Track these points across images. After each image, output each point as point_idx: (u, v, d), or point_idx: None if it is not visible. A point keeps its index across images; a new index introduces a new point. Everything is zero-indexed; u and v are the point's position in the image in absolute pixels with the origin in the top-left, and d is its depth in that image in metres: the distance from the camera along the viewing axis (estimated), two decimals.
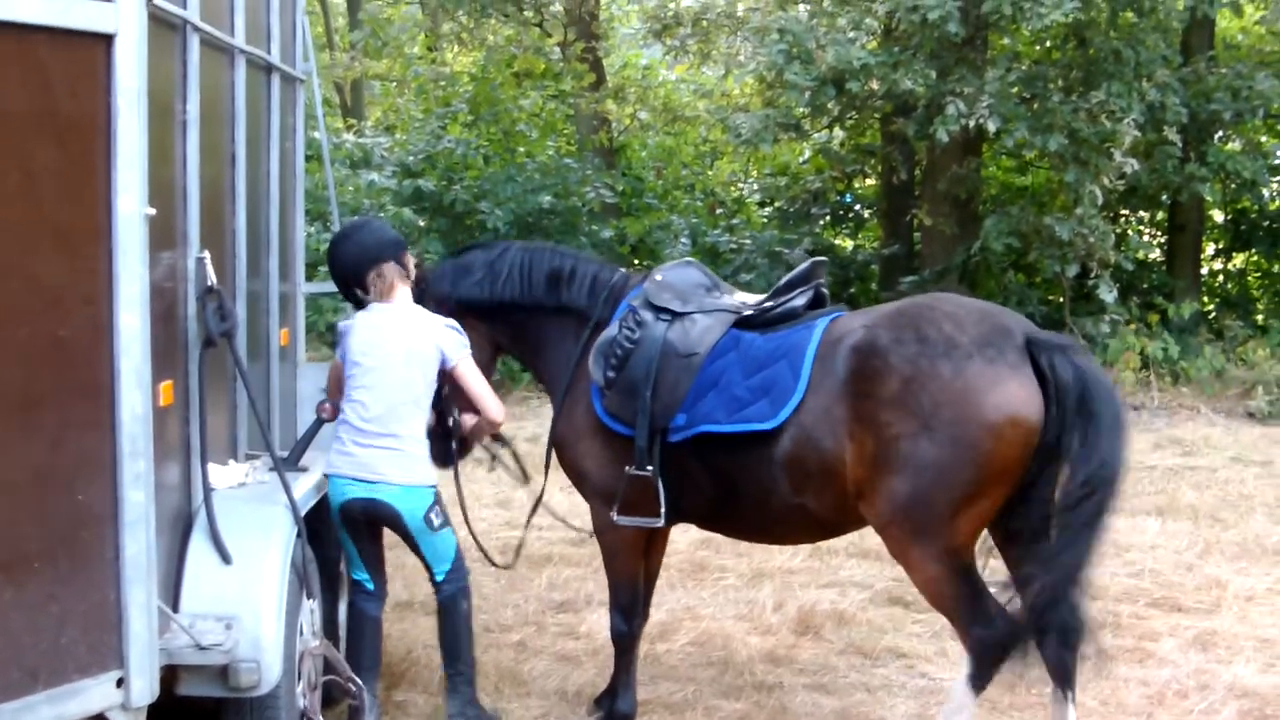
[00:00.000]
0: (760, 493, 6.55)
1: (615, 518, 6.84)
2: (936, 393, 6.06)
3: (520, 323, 7.27)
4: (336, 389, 6.79)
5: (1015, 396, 6.03)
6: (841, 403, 6.29)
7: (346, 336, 6.67)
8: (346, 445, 6.56)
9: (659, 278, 7.01)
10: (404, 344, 6.59)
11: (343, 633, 7.21)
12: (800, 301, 6.85)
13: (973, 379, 6.05)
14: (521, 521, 11.14)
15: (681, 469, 6.72)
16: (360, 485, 6.55)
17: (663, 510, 6.74)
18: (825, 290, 6.99)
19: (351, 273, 6.73)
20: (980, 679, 6.25)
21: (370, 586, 6.85)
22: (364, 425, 6.53)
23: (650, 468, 6.69)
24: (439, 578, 6.83)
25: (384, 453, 6.55)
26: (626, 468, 6.75)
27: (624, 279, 7.23)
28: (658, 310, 6.86)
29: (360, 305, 6.78)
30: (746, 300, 7.02)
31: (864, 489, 6.23)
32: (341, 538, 6.81)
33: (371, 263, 6.67)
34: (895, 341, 6.25)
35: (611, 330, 6.88)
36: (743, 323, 6.80)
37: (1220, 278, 22.14)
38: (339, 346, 6.74)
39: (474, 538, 7.35)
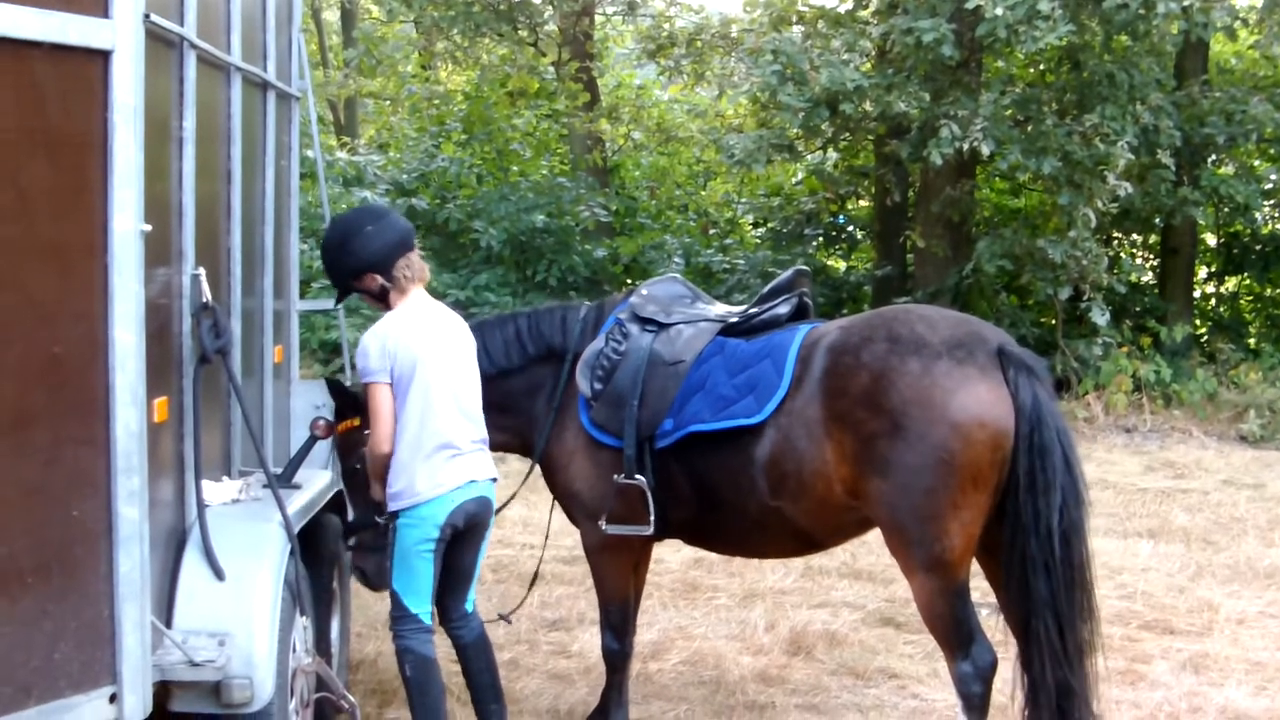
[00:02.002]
0: (740, 497, 6.60)
1: (604, 527, 6.85)
2: (904, 389, 6.12)
3: (503, 391, 7.19)
4: (389, 418, 6.32)
5: (983, 399, 6.07)
6: (815, 401, 6.36)
7: (384, 352, 6.25)
8: (438, 460, 6.31)
9: (644, 292, 7.13)
10: (455, 335, 6.52)
11: (335, 649, 7.20)
12: (784, 310, 6.91)
13: (940, 378, 6.10)
14: (512, 538, 11.20)
15: (667, 477, 6.77)
16: (473, 486, 6.43)
17: (651, 518, 6.76)
18: (809, 300, 7.03)
19: (380, 261, 6.37)
20: (973, 711, 6.27)
21: (427, 621, 6.42)
22: (450, 437, 6.36)
23: (639, 477, 6.73)
24: (469, 605, 6.69)
25: (479, 454, 6.51)
26: (615, 476, 6.78)
27: (595, 309, 7.27)
28: (644, 322, 6.92)
29: (382, 302, 6.50)
30: (731, 311, 7.07)
31: (854, 490, 6.28)
32: (420, 567, 6.36)
33: (404, 250, 6.43)
34: (867, 340, 6.34)
35: (598, 344, 6.93)
36: (728, 330, 6.86)
37: (1213, 301, 22.14)
38: (374, 365, 6.26)
39: None
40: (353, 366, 7.07)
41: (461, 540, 6.48)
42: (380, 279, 6.41)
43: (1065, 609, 6.16)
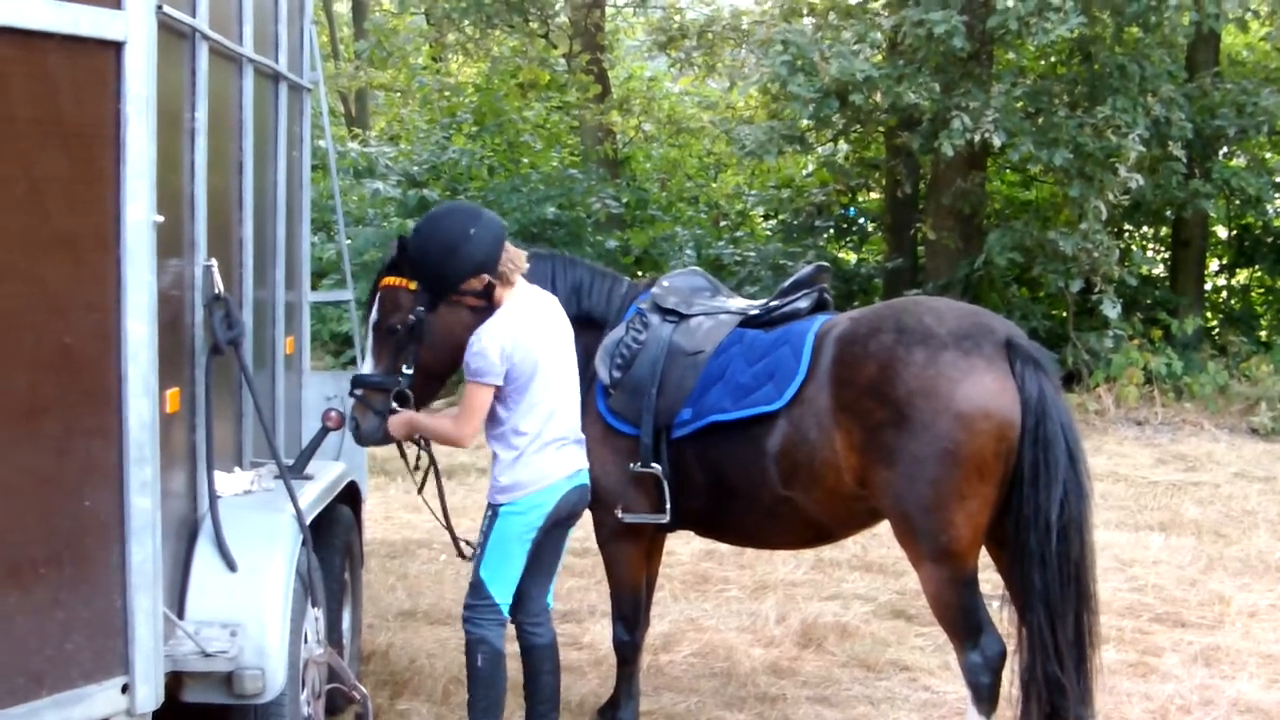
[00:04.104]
0: (752, 487, 6.61)
1: (620, 515, 6.86)
2: (910, 380, 6.12)
3: None
4: (481, 418, 6.26)
5: (988, 389, 6.07)
6: (825, 391, 6.37)
7: (503, 356, 6.12)
8: (550, 451, 6.32)
9: (665, 284, 7.13)
10: (562, 328, 6.50)
11: (346, 640, 7.21)
12: (804, 304, 6.91)
13: (945, 368, 6.10)
14: None
15: (681, 466, 6.78)
16: (579, 474, 6.46)
17: (668, 507, 6.77)
18: (829, 296, 7.04)
19: (489, 260, 6.24)
20: (982, 703, 6.28)
21: (506, 613, 6.38)
22: (564, 431, 6.38)
23: (656, 465, 6.74)
24: (550, 600, 6.64)
25: (581, 444, 6.53)
26: (630, 465, 6.79)
27: (632, 289, 7.25)
28: (664, 313, 6.93)
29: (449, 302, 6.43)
30: (752, 304, 7.07)
31: (863, 479, 6.28)
32: (516, 554, 6.30)
33: (500, 246, 6.30)
34: (874, 330, 6.36)
35: (618, 332, 6.94)
36: (748, 323, 6.87)
37: (1224, 293, 22.13)
38: (490, 368, 6.12)
39: (448, 526, 7.03)
40: (363, 357, 7.01)
41: (554, 531, 6.45)
42: (488, 277, 6.30)
43: (1057, 603, 6.15)
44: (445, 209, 6.62)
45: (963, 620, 6.27)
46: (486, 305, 6.35)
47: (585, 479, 6.52)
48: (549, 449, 6.31)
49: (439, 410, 6.49)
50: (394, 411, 6.61)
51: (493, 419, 6.29)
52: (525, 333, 6.22)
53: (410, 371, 6.61)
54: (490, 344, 6.14)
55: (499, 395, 6.22)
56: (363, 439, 6.78)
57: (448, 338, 6.59)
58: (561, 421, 6.37)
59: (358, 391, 6.76)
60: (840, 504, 6.48)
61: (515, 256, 6.38)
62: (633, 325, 6.92)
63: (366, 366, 6.79)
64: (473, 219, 6.31)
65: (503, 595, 6.33)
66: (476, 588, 6.34)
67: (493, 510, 6.32)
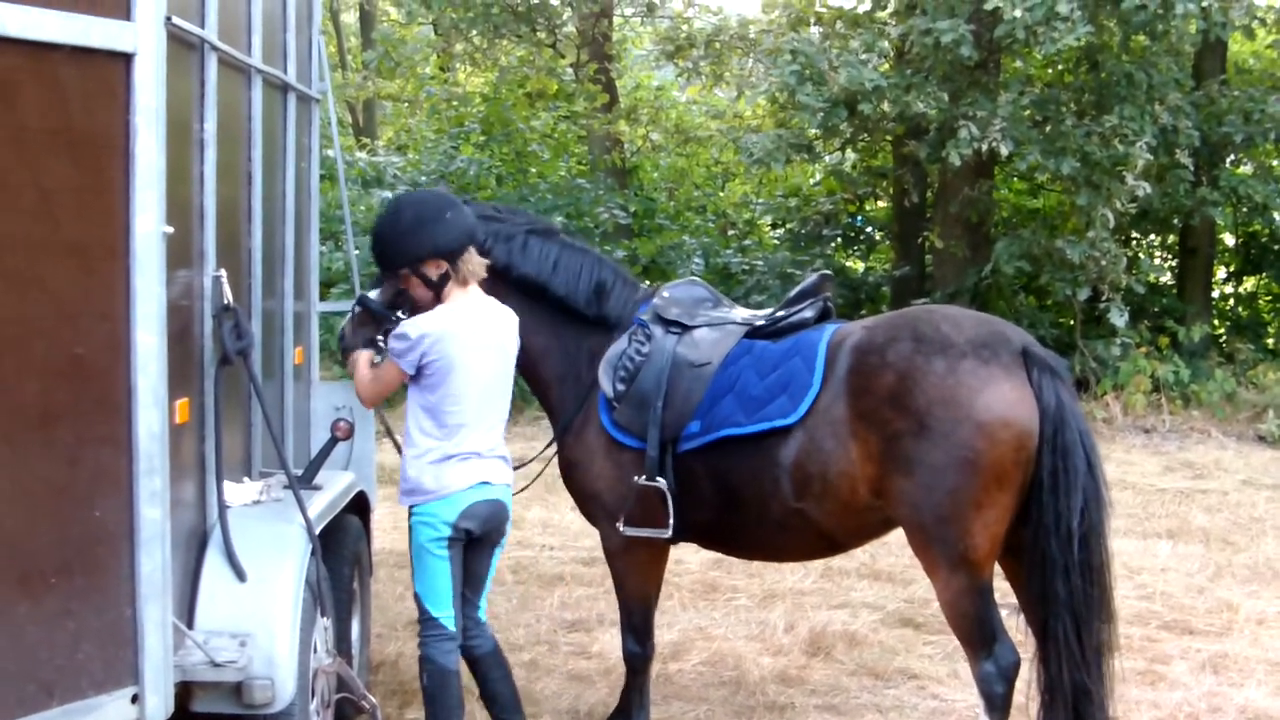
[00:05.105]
0: (762, 498, 6.56)
1: (621, 529, 6.84)
2: (929, 389, 6.11)
3: (553, 321, 7.10)
4: (382, 389, 6.37)
5: (1007, 398, 6.06)
6: (841, 400, 6.34)
7: (416, 348, 6.08)
8: (450, 464, 6.20)
9: (666, 294, 7.07)
10: (500, 342, 6.38)
11: (355, 650, 7.22)
12: (810, 313, 6.88)
13: (965, 377, 6.09)
14: (532, 540, 11.21)
15: (688, 480, 6.73)
16: (486, 488, 6.30)
17: (671, 521, 6.75)
18: (831, 305, 7.03)
19: (454, 248, 6.17)
20: (995, 712, 6.28)
21: (451, 627, 6.27)
22: (468, 448, 6.24)
23: (661, 479, 6.70)
24: (482, 615, 6.55)
25: (496, 460, 6.39)
26: (635, 478, 6.75)
27: (643, 295, 7.22)
28: (667, 324, 6.89)
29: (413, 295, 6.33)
30: (756, 314, 7.05)
31: (879, 489, 6.26)
32: (434, 566, 6.23)
33: (471, 242, 6.28)
34: (892, 340, 6.33)
35: (621, 344, 6.91)
36: (754, 333, 6.84)
37: (1231, 301, 22.11)
38: (401, 355, 6.13)
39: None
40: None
41: (476, 547, 6.37)
42: (446, 266, 6.21)
43: (1083, 610, 6.16)
44: (430, 191, 6.67)
45: (978, 630, 6.26)
46: (434, 298, 6.26)
47: (499, 494, 6.37)
48: (451, 462, 6.20)
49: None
50: (375, 345, 6.55)
51: (411, 409, 6.27)
52: (453, 337, 6.13)
53: (403, 317, 6.44)
54: (412, 330, 6.11)
55: (416, 385, 6.20)
56: (342, 351, 6.73)
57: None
58: (475, 438, 6.25)
59: (357, 308, 6.70)
60: (853, 515, 6.46)
61: (478, 264, 6.31)
62: (635, 337, 6.88)
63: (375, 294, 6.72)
64: (451, 206, 6.30)
65: (437, 609, 6.24)
66: (417, 604, 6.35)
67: (409, 516, 6.32)
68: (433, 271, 6.20)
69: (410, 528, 6.31)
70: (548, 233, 7.21)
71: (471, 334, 6.19)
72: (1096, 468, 6.18)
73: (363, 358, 6.53)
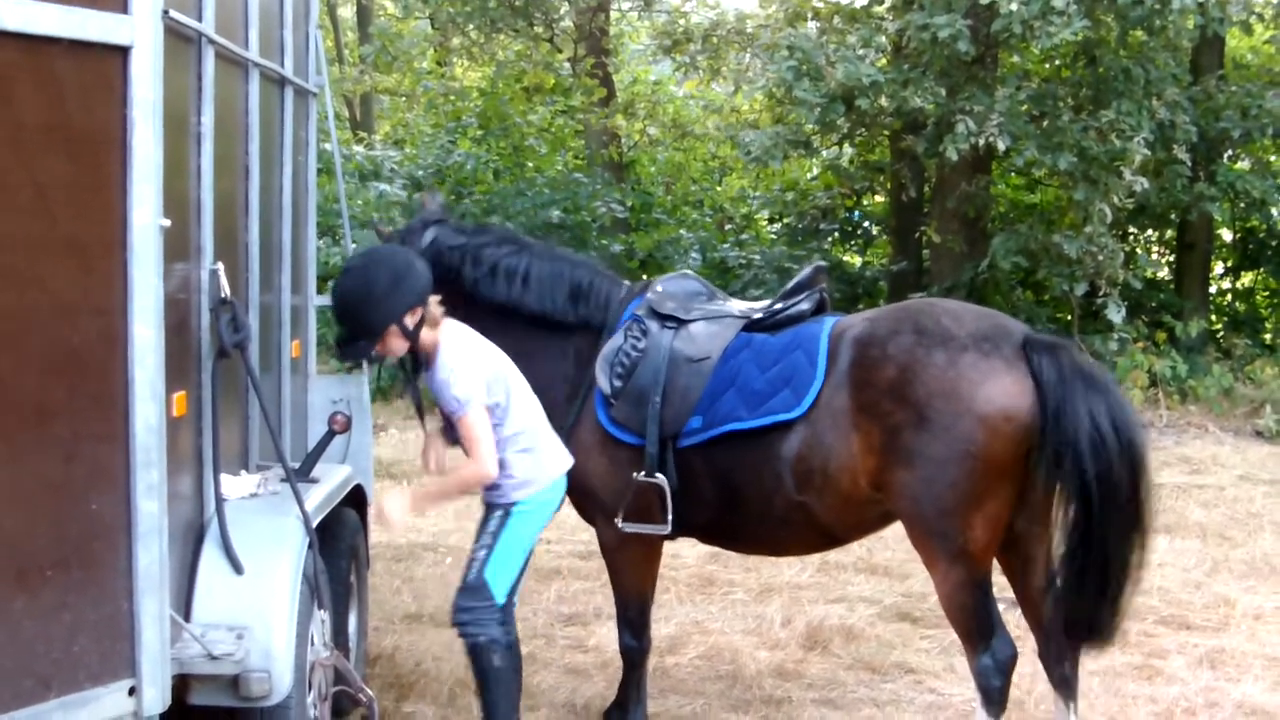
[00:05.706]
0: (764, 493, 6.55)
1: (620, 524, 6.83)
2: (930, 382, 6.11)
3: (521, 333, 7.04)
4: (491, 437, 6.25)
5: (1008, 391, 6.06)
6: (843, 392, 6.33)
7: (486, 377, 6.23)
8: (548, 450, 6.45)
9: (660, 289, 7.04)
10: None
11: (353, 643, 7.22)
12: (807, 305, 6.87)
13: (966, 370, 6.09)
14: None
15: (687, 475, 6.72)
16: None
17: (669, 517, 6.74)
18: (827, 297, 7.02)
19: (424, 292, 6.20)
20: (992, 705, 6.28)
21: (502, 611, 6.40)
22: (545, 429, 6.51)
23: (660, 475, 6.69)
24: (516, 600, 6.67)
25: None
26: (634, 474, 6.74)
27: (630, 293, 7.20)
28: (663, 319, 6.87)
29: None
30: (752, 307, 7.03)
31: (879, 482, 6.26)
32: (524, 555, 6.46)
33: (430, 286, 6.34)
34: (893, 332, 6.33)
35: (617, 340, 6.88)
36: (752, 326, 6.83)
37: (1228, 296, 22.15)
38: (480, 392, 6.19)
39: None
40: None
41: None
42: (421, 311, 6.22)
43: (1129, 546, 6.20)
44: (376, 248, 6.76)
45: (976, 623, 6.27)
46: (409, 347, 6.26)
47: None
48: (544, 446, 6.42)
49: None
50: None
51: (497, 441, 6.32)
52: (482, 350, 6.34)
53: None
54: (463, 370, 6.19)
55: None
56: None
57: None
58: (542, 422, 6.48)
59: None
60: (854, 509, 6.45)
61: (434, 302, 6.31)
62: (630, 333, 6.85)
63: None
64: (406, 254, 6.45)
65: (502, 596, 6.33)
66: (477, 590, 6.31)
67: (504, 510, 6.33)
68: (411, 321, 6.21)
69: (508, 518, 6.35)
70: (517, 246, 7.22)
71: (484, 343, 6.38)
72: (1112, 424, 6.09)
73: (429, 492, 6.73)
